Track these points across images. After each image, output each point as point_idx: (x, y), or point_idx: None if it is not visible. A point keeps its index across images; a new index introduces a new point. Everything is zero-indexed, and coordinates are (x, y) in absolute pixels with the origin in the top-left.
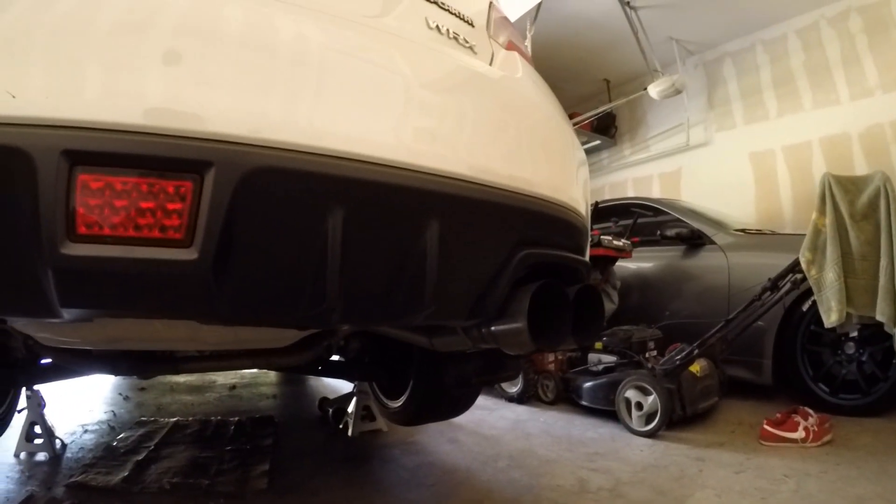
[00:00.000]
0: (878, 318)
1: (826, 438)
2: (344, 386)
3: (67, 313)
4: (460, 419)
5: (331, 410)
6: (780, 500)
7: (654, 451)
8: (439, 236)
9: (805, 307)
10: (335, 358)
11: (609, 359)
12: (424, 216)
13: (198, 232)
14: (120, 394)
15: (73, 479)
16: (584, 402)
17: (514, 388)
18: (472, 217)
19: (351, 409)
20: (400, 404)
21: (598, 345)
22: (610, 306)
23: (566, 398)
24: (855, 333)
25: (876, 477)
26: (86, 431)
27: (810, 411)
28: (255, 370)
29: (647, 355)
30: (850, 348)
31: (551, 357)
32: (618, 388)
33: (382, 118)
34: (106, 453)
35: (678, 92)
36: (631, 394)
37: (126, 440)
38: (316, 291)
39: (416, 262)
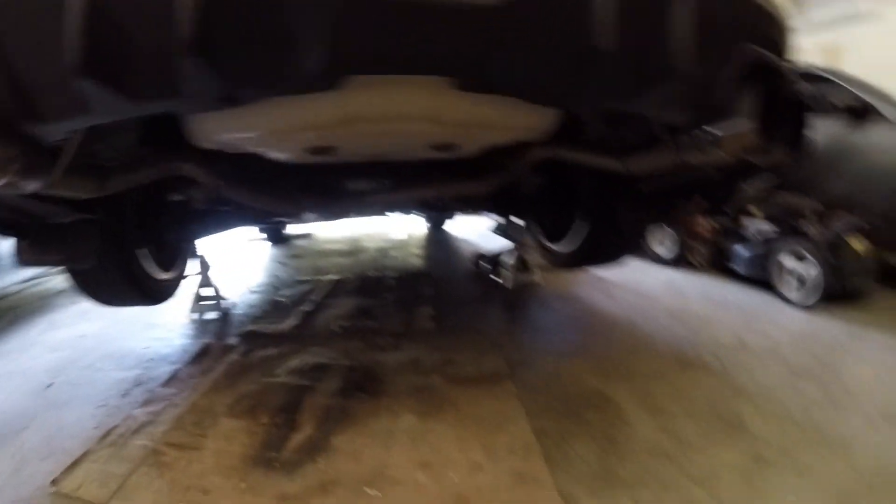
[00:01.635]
0: None
1: None
2: (492, 248)
3: None
4: (614, 277)
5: (487, 264)
6: None
7: (811, 322)
8: None
9: None
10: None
11: (766, 227)
12: None
13: None
14: (278, 261)
15: (245, 329)
16: (737, 270)
17: (666, 252)
18: None
19: (509, 260)
20: (564, 246)
21: (756, 211)
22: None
23: (718, 265)
24: None
25: None
26: (252, 293)
27: None
28: (403, 237)
29: (806, 225)
30: None
31: (706, 223)
32: (775, 257)
33: None
34: (273, 308)
35: None
36: (789, 263)
37: (291, 296)
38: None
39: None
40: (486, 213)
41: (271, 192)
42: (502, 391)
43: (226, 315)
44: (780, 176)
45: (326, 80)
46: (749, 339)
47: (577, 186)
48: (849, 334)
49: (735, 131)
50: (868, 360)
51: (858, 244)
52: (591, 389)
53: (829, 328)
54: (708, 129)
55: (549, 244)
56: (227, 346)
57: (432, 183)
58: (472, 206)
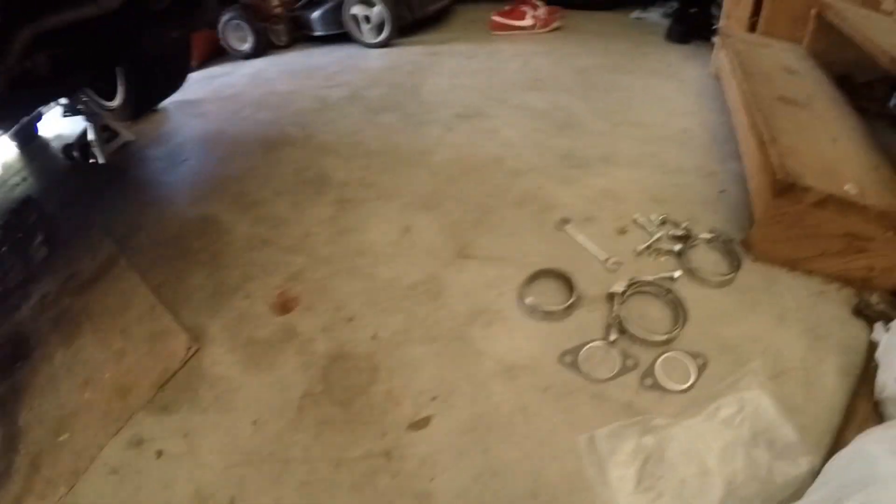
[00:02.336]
0: None
1: (555, 25)
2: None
3: None
4: (202, 93)
5: (77, 151)
6: (508, 74)
7: (390, 57)
8: None
9: None
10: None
11: None
12: None
13: None
14: None
15: None
16: (318, 34)
17: (246, 45)
18: None
19: (91, 136)
20: (119, 98)
21: None
22: None
23: (302, 37)
24: None
25: (601, 53)
26: None
27: (539, 2)
28: None
29: None
30: None
31: (276, 1)
32: (346, 10)
33: None
34: None
35: None
36: (357, 9)
37: None
38: None
39: None
40: (46, 103)
41: None
42: (120, 271)
43: None
44: None
45: None
46: (330, 95)
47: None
48: (429, 54)
49: None
50: (440, 72)
51: None
52: (192, 218)
53: (408, 56)
54: None
55: (109, 105)
56: None
57: None
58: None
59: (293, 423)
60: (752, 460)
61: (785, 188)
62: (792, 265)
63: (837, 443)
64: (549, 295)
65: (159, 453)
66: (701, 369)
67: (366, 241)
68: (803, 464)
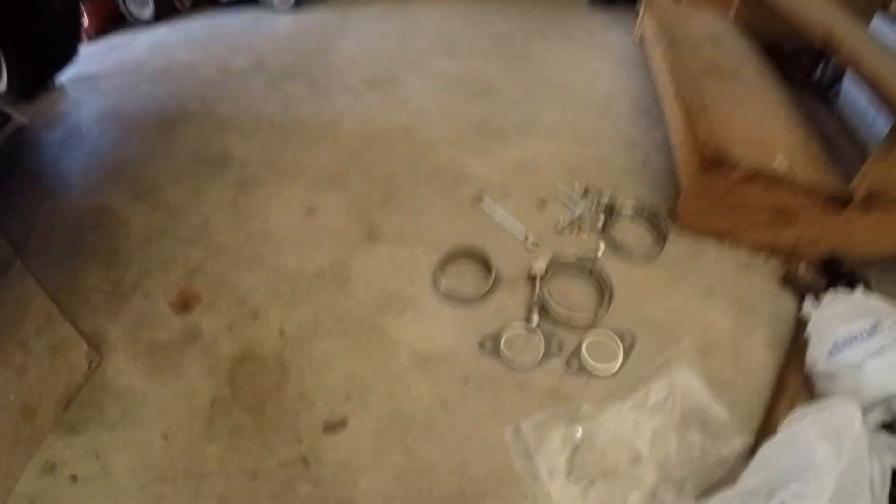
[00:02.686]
0: None
1: None
2: None
3: None
4: (100, 67)
5: None
6: (422, 39)
7: (299, 21)
8: None
9: None
10: None
11: None
12: None
13: None
14: None
15: None
16: None
17: (146, 10)
18: None
19: None
20: (9, 84)
21: None
22: None
23: (206, 1)
24: None
25: (520, 17)
26: None
27: None
28: None
29: None
30: None
31: None
32: None
33: None
34: None
35: None
36: None
37: None
38: None
39: None
40: None
41: None
42: (16, 277)
43: None
44: None
45: None
46: (233, 65)
47: None
48: (337, 18)
49: None
50: (350, 36)
51: None
52: (87, 210)
53: (317, 21)
54: None
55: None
56: None
57: None
58: None
59: (204, 433)
60: (685, 442)
61: (713, 163)
62: (719, 235)
63: (769, 418)
64: (465, 277)
65: (74, 478)
66: (628, 350)
67: (268, 226)
68: (736, 443)
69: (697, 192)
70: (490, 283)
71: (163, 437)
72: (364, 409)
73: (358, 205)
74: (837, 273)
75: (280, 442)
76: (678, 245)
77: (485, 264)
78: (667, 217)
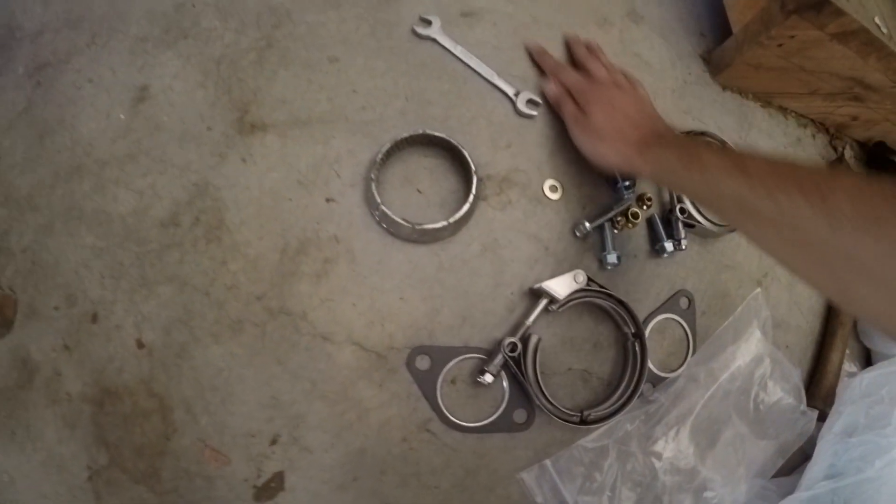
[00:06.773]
0: None
1: None
2: None
3: None
4: None
5: None
6: None
7: None
8: None
9: None
10: None
11: None
12: None
13: None
14: None
15: None
16: None
17: None
18: None
19: None
20: None
21: None
22: None
23: None
24: None
25: None
26: None
27: None
28: None
29: None
30: None
31: None
32: None
33: None
34: None
35: None
36: None
37: None
38: None
39: None
40: None
41: None
42: None
43: None
44: None
45: None
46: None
47: None
48: None
49: None
50: None
51: None
52: None
53: None
54: None
55: None
56: None
57: None
58: None
59: None
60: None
61: (808, 5)
62: (766, 98)
63: (820, 365)
64: (425, 188)
65: None
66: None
67: (80, 141)
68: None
69: (766, 40)
70: (471, 196)
71: None
72: (303, 455)
73: (218, 69)
74: (885, 160)
75: None
76: (723, 106)
77: (454, 157)
78: (704, 63)
